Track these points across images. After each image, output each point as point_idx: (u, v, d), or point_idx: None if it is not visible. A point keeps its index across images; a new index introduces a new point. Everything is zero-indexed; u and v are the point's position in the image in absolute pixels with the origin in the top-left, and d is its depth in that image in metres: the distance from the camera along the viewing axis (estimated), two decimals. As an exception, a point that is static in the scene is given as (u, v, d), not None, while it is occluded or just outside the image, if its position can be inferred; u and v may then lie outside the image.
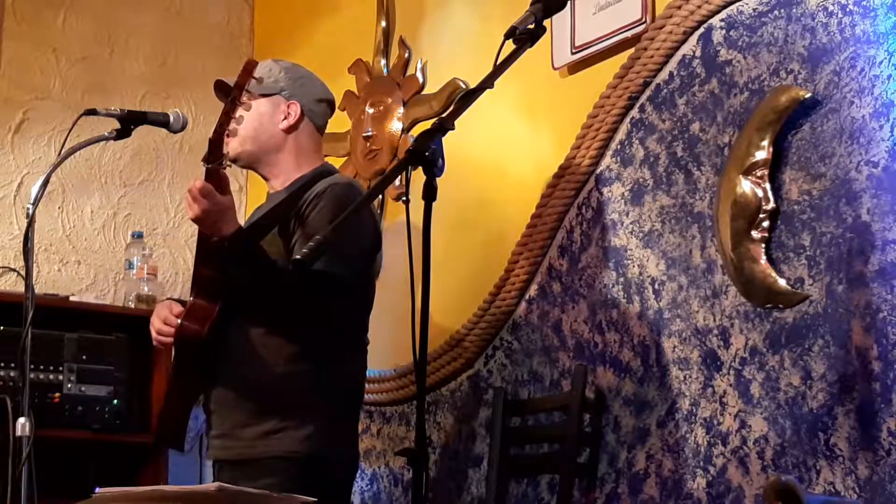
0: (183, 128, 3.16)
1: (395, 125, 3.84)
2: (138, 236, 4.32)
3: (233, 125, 2.77)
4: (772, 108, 2.64)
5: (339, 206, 2.81)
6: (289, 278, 2.74)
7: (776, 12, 2.71)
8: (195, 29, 4.68)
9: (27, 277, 2.91)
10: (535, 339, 3.26)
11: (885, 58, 2.45)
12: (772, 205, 2.63)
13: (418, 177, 2.02)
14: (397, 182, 3.28)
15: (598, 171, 3.13)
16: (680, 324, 2.84)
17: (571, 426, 2.95)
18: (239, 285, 2.79)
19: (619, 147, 3.07)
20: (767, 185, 2.64)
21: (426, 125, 3.33)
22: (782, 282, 2.60)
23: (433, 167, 2.03)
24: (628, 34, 3.06)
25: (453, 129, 2.09)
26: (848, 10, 2.55)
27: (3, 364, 3.78)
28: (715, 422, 2.71)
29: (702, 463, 2.73)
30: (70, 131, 3.08)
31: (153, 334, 2.89)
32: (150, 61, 4.58)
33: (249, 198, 4.59)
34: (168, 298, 3.19)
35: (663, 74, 2.97)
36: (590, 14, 3.17)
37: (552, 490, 3.11)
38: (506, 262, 3.35)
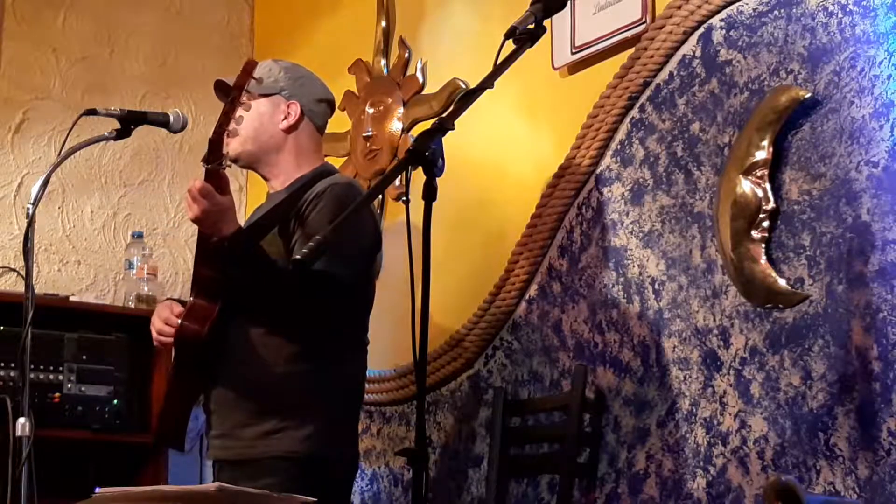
0: (183, 128, 3.16)
1: (395, 125, 3.84)
2: (138, 236, 4.32)
3: (233, 125, 2.77)
4: (772, 108, 2.64)
5: (339, 206, 2.81)
6: (289, 278, 2.74)
7: (776, 12, 2.71)
8: (195, 29, 4.68)
9: (27, 277, 2.91)
10: (535, 339, 3.26)
11: (885, 58, 2.45)
12: (772, 205, 2.63)
13: (418, 177, 2.02)
14: (397, 182, 3.28)
15: (598, 171, 3.13)
16: (680, 324, 2.84)
17: (571, 426, 2.95)
18: (239, 285, 2.79)
19: (619, 147, 3.07)
20: (767, 185, 2.64)
21: (426, 125, 3.33)
22: (782, 282, 2.60)
23: (433, 167, 2.03)
24: (628, 34, 3.06)
25: (453, 129, 2.09)
26: (848, 10, 2.55)
27: (3, 364, 3.78)
28: (715, 422, 2.71)
29: (702, 463, 2.73)
30: (70, 131, 3.08)
31: (153, 334, 2.89)
32: (150, 61, 4.58)
33: (249, 198, 4.59)
34: (168, 298, 3.19)
35: (663, 74, 2.97)
36: (590, 14, 3.17)
37: (552, 490, 3.11)
38: (506, 262, 3.35)
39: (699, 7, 2.87)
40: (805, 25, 2.64)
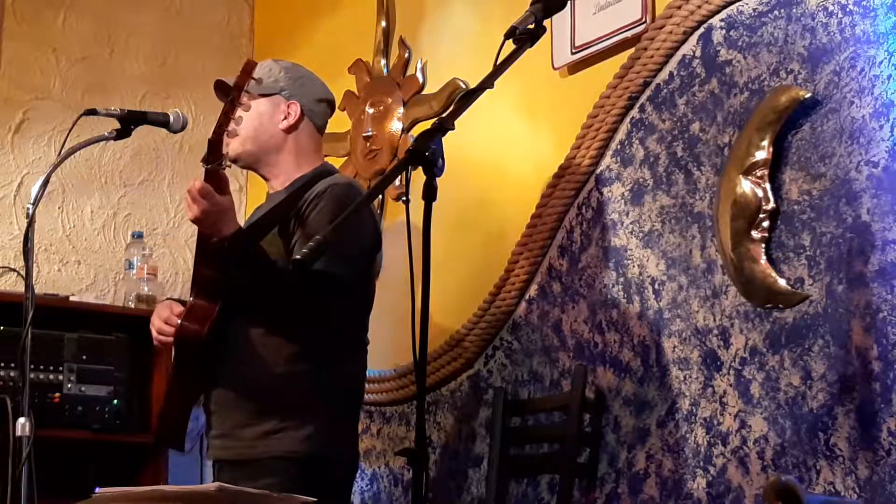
0: (183, 128, 3.16)
1: (395, 125, 3.84)
2: (138, 236, 4.32)
3: (232, 126, 2.77)
4: (772, 108, 2.64)
5: (339, 207, 2.81)
6: (289, 278, 2.74)
7: (776, 12, 2.71)
8: (195, 29, 4.68)
9: (27, 277, 2.91)
10: (535, 339, 3.26)
11: (885, 58, 2.45)
12: (772, 205, 2.63)
13: (418, 177, 2.02)
14: (397, 182, 3.28)
15: (598, 171, 3.13)
16: (680, 324, 2.84)
17: (571, 426, 2.95)
18: (239, 286, 2.79)
19: (619, 147, 3.07)
20: (767, 185, 2.64)
21: (426, 125, 3.33)
22: (782, 282, 2.60)
23: (433, 167, 2.03)
24: (628, 34, 3.06)
25: (453, 129, 2.09)
26: (848, 10, 2.55)
27: (3, 364, 3.78)
28: (715, 422, 2.71)
29: (702, 463, 2.73)
30: (70, 131, 3.08)
31: (153, 333, 2.89)
32: (150, 61, 4.58)
33: (249, 198, 4.59)
34: (168, 298, 3.19)
35: (663, 74, 2.97)
36: (590, 14, 3.17)
37: (552, 490, 3.11)
38: (506, 262, 3.35)
39: (699, 7, 2.87)
40: (805, 25, 2.64)
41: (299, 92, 3.06)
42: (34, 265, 3.25)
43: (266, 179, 3.09)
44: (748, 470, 2.63)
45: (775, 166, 2.64)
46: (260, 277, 2.75)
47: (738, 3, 2.80)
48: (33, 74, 4.37)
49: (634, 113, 3.04)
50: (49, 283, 4.26)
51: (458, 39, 3.69)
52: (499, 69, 2.20)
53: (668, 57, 2.95)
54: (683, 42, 2.92)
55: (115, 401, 3.94)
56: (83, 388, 3.90)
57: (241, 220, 2.89)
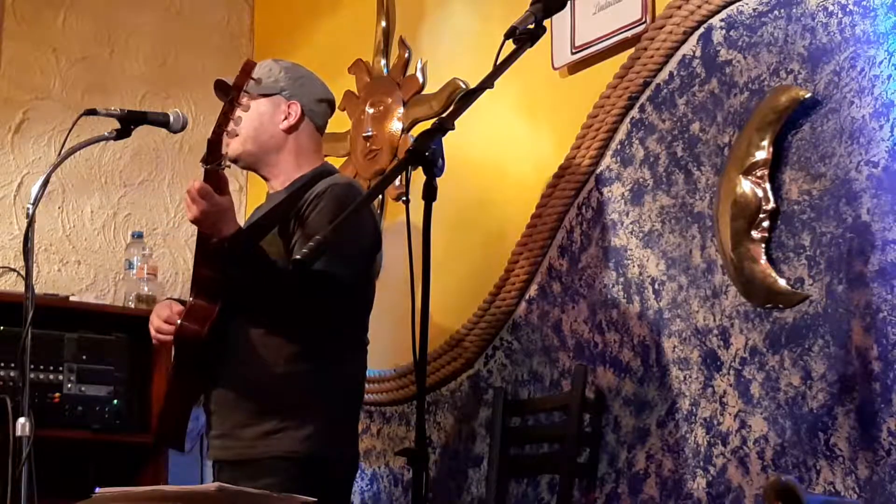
0: (183, 128, 3.16)
1: (395, 125, 3.84)
2: (138, 236, 4.32)
3: (232, 126, 2.77)
4: (772, 108, 2.64)
5: (339, 207, 2.81)
6: (289, 278, 2.74)
7: (776, 12, 2.71)
8: (195, 29, 4.68)
9: (27, 277, 2.91)
10: (535, 339, 3.26)
11: (885, 58, 2.45)
12: (772, 205, 2.63)
13: (418, 177, 2.02)
14: (397, 182, 3.28)
15: (598, 171, 3.13)
16: (680, 324, 2.84)
17: (571, 426, 2.95)
18: (239, 286, 2.79)
19: (619, 147, 3.07)
20: (767, 185, 2.64)
21: (426, 125, 3.33)
22: (782, 282, 2.60)
23: (433, 167, 2.03)
24: (628, 34, 3.06)
25: (453, 129, 2.09)
26: (848, 10, 2.55)
27: (3, 364, 3.78)
28: (715, 422, 2.71)
29: (702, 463, 2.73)
30: (70, 131, 3.08)
31: (152, 332, 2.89)
32: (150, 61, 4.58)
33: (249, 198, 4.59)
34: (168, 298, 3.19)
35: (663, 74, 2.97)
36: (590, 14, 3.17)
37: (552, 490, 3.11)
38: (506, 262, 3.35)
39: (699, 7, 2.87)
40: (805, 25, 2.64)
41: (300, 92, 3.06)
42: (34, 265, 3.25)
43: (266, 179, 3.09)
44: (748, 470, 2.62)
45: (775, 166, 2.64)
46: (260, 277, 2.75)
47: (738, 3, 2.80)
48: (33, 74, 4.37)
49: (634, 113, 3.04)
50: (49, 283, 4.26)
51: (458, 39, 3.69)
52: (499, 69, 2.20)
53: (668, 57, 2.95)
54: (683, 42, 2.92)
55: (115, 401, 3.94)
56: (83, 388, 3.91)
57: (241, 220, 2.89)
